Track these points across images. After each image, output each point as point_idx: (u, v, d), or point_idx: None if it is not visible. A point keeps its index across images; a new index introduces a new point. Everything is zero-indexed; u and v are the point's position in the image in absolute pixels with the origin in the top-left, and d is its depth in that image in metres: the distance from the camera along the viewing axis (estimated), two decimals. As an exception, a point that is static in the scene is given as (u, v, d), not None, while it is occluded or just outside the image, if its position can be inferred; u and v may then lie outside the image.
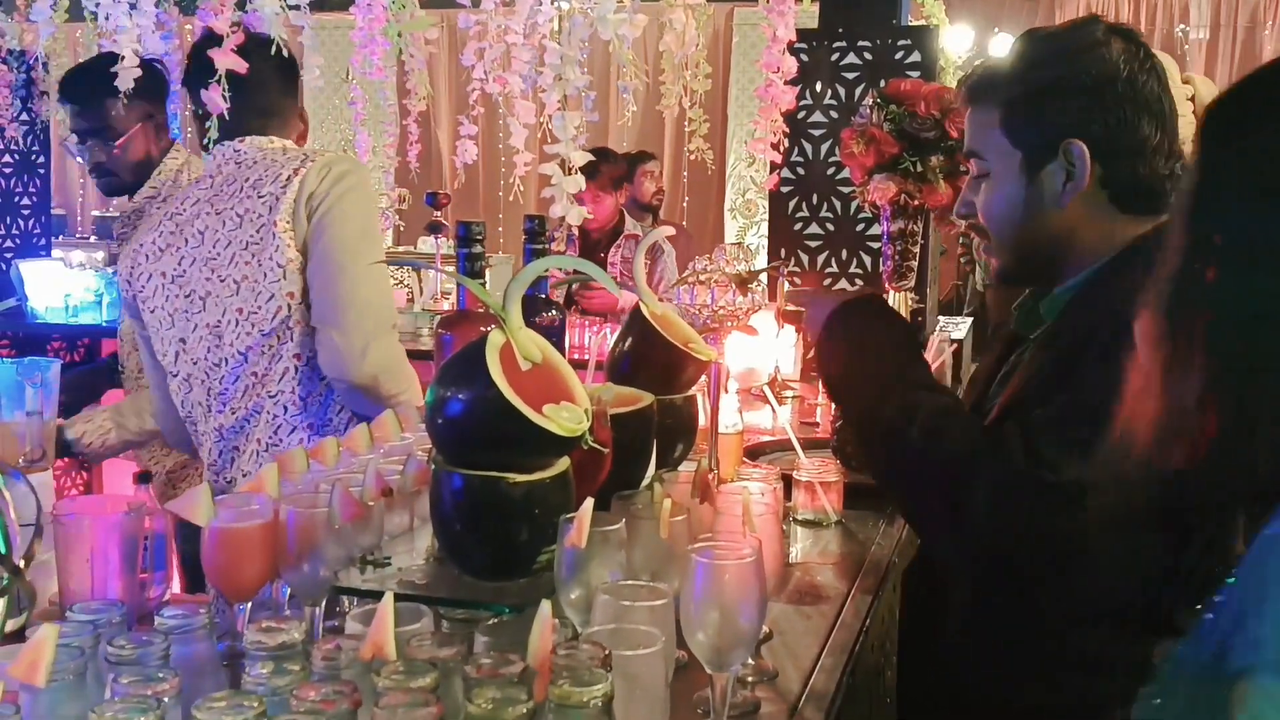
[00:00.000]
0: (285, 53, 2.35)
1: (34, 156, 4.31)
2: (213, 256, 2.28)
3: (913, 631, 1.86)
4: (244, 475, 2.29)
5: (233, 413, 2.32)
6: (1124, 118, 1.47)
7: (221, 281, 2.27)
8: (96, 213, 10.26)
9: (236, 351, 2.28)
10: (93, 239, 9.11)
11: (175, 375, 2.36)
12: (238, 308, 2.26)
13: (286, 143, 2.39)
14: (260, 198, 2.25)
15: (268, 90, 2.36)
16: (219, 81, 2.00)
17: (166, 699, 0.98)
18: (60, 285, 4.55)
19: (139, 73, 2.18)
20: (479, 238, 1.76)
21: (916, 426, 1.49)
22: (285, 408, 2.29)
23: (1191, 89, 2.22)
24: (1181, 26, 8.90)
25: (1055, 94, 1.49)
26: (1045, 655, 1.56)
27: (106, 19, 2.18)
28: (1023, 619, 1.58)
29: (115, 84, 2.16)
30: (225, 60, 2.04)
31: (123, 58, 2.13)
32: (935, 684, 1.75)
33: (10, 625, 1.35)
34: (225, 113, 2.13)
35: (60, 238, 7.81)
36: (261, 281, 2.24)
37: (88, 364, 3.06)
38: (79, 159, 2.95)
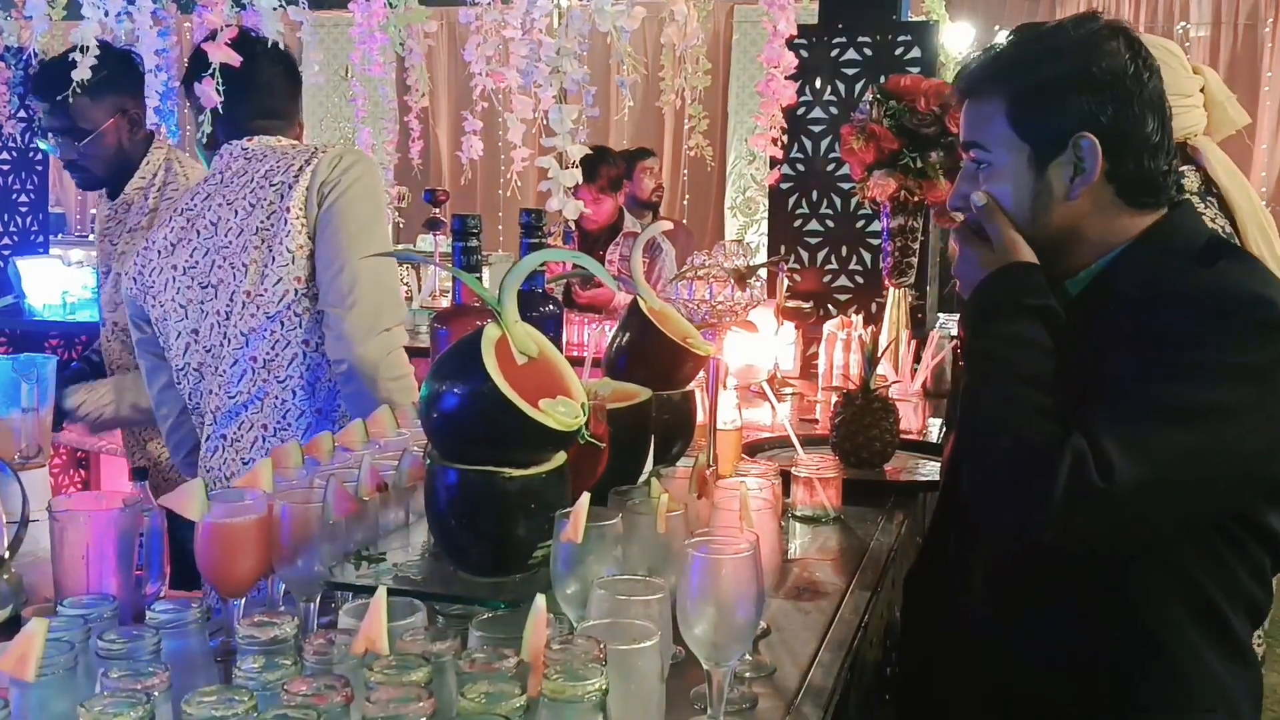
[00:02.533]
0: (284, 54, 2.41)
1: (32, 154, 4.28)
2: (225, 245, 2.34)
3: (914, 633, 1.85)
4: (245, 464, 2.32)
5: (238, 397, 2.36)
6: (1132, 113, 1.49)
7: (232, 268, 2.33)
8: (95, 210, 10.25)
9: (240, 333, 2.33)
10: (90, 237, 9.09)
11: (185, 368, 2.39)
12: (246, 290, 2.32)
13: (294, 141, 2.47)
14: (272, 186, 2.32)
15: (276, 94, 2.45)
16: (213, 75, 1.99)
17: (156, 693, 0.97)
18: (58, 282, 4.56)
19: (95, 62, 2.18)
20: (475, 231, 1.75)
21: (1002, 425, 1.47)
22: (294, 393, 2.34)
23: (1202, 79, 2.21)
24: (1182, 24, 8.88)
25: (1066, 88, 1.50)
26: (1067, 654, 1.55)
27: (106, 16, 2.17)
28: (1049, 617, 1.56)
29: (76, 77, 2.16)
30: (219, 54, 2.03)
31: (84, 49, 2.13)
32: (937, 683, 1.74)
33: (-2, 617, 1.35)
34: (219, 107, 2.13)
35: (58, 235, 7.81)
36: (270, 265, 2.30)
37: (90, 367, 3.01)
38: (54, 154, 2.91)
